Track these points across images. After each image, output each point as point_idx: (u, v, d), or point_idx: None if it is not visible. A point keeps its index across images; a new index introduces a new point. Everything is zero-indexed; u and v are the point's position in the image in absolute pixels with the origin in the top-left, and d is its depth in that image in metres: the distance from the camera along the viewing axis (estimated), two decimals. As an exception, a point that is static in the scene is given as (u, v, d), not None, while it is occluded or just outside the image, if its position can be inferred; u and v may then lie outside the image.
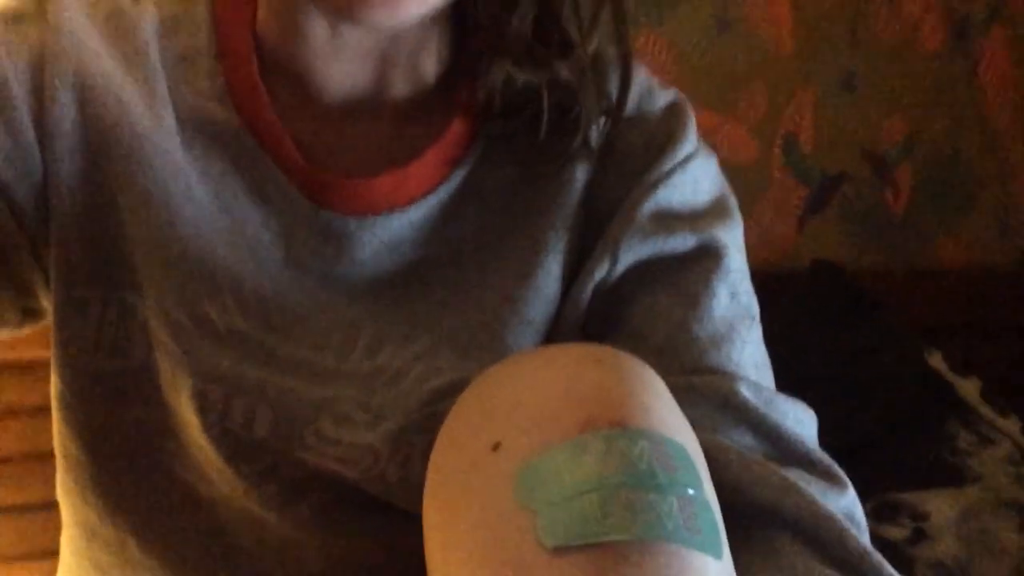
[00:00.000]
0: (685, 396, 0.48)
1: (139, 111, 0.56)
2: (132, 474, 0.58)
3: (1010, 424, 1.37)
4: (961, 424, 1.37)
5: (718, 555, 0.37)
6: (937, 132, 1.69)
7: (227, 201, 0.56)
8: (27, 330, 0.61)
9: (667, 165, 0.58)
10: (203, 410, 0.54)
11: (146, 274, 0.55)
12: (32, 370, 1.18)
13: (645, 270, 0.57)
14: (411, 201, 0.57)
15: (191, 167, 0.56)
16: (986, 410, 1.39)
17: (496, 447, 0.39)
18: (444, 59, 0.59)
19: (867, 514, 1.28)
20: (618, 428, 0.38)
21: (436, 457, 0.43)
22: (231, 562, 0.59)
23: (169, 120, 0.56)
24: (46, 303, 0.59)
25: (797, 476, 0.48)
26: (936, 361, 1.45)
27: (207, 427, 0.55)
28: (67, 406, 0.58)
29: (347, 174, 0.57)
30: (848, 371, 1.37)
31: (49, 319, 0.58)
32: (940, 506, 1.25)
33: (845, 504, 0.50)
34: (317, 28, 0.56)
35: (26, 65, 0.55)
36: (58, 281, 0.56)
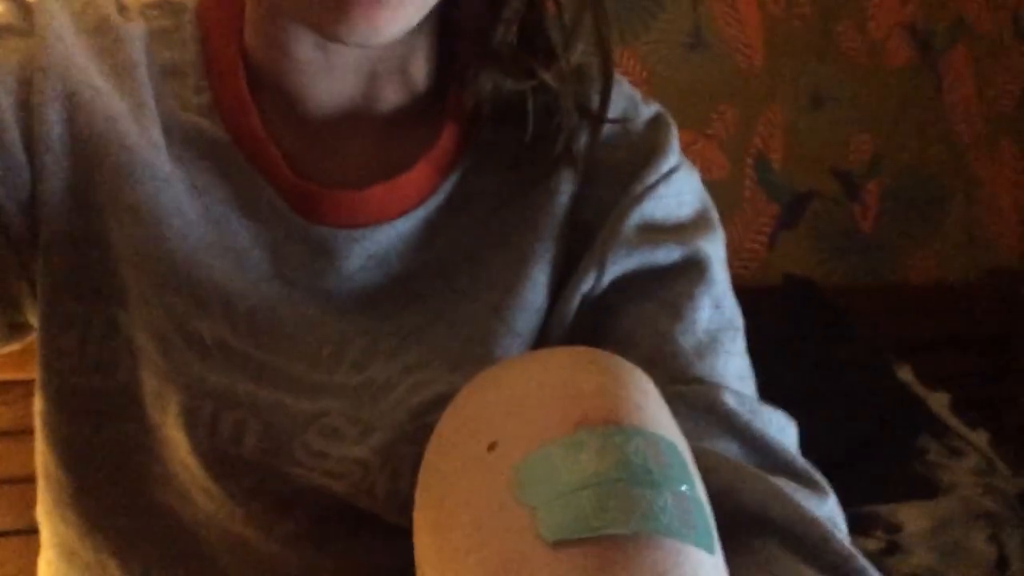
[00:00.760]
0: (671, 405, 0.48)
1: (127, 125, 0.55)
2: (112, 494, 0.58)
3: (979, 436, 1.39)
4: (932, 437, 1.38)
5: (711, 550, 0.38)
6: (904, 149, 1.72)
7: (216, 215, 0.56)
8: (14, 346, 0.61)
9: (652, 178, 0.59)
10: (191, 426, 0.54)
11: (133, 289, 0.55)
12: (2, 391, 1.17)
13: (631, 282, 0.57)
14: (400, 213, 0.57)
15: (179, 181, 0.56)
16: (956, 423, 1.40)
17: (492, 446, 0.40)
18: (432, 68, 0.59)
19: None
20: (613, 426, 0.39)
21: (430, 458, 0.44)
22: None
23: (157, 134, 0.56)
24: (33, 319, 0.58)
25: (782, 483, 0.49)
26: (906, 375, 1.46)
27: (195, 444, 0.54)
28: (49, 424, 0.57)
29: (336, 187, 0.57)
30: (819, 385, 1.38)
31: (35, 335, 0.57)
32: (913, 518, 1.26)
33: (828, 510, 0.51)
34: (304, 44, 0.56)
35: (13, 79, 0.55)
36: (44, 296, 0.55)
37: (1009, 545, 1.27)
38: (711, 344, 0.56)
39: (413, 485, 0.44)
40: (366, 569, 0.57)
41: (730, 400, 0.52)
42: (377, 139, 0.59)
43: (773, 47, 1.61)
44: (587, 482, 0.37)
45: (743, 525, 0.47)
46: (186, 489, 0.57)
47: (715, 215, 0.62)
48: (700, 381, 0.54)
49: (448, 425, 0.44)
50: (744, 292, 1.63)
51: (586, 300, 0.57)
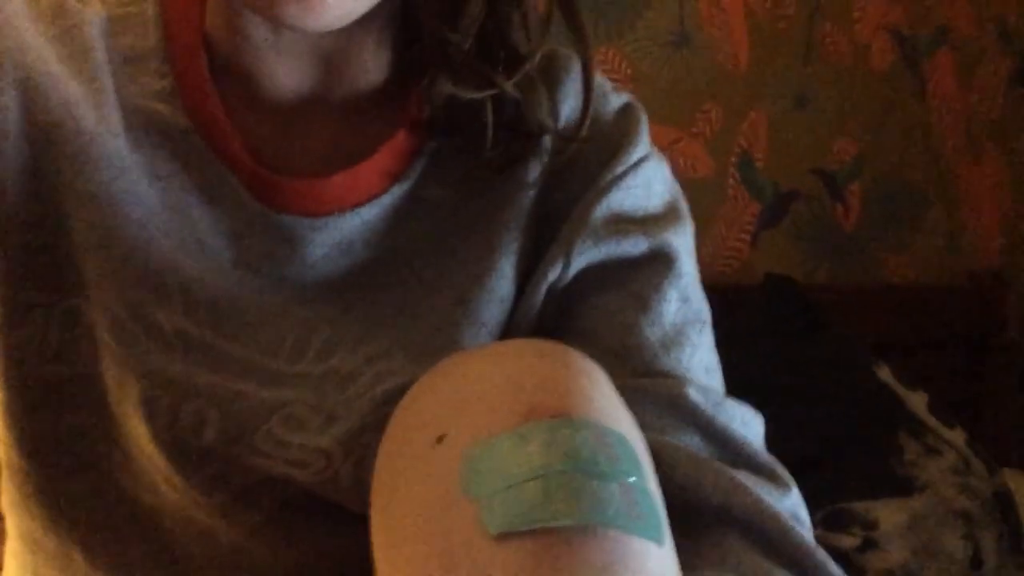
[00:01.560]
0: (634, 398, 0.49)
1: (83, 111, 0.55)
2: (76, 485, 0.57)
3: (956, 436, 1.39)
4: (909, 435, 1.39)
5: (659, 541, 0.38)
6: (886, 151, 1.72)
7: (176, 203, 0.55)
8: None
9: (620, 168, 0.58)
10: (152, 416, 0.53)
11: (92, 278, 0.54)
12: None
13: (597, 273, 0.57)
14: (363, 201, 0.57)
15: (138, 168, 0.55)
16: (933, 422, 1.40)
17: (440, 439, 0.40)
18: (390, 65, 0.59)
19: (817, 523, 1.29)
20: (561, 418, 0.39)
21: (382, 452, 0.44)
22: (180, 574, 0.58)
23: (115, 120, 0.55)
24: None
25: (744, 477, 0.49)
26: (885, 374, 1.46)
27: (156, 434, 0.54)
28: (11, 414, 0.57)
29: (297, 174, 0.56)
30: (799, 383, 1.39)
31: None
32: (889, 515, 1.26)
33: (790, 504, 0.51)
34: (258, 25, 0.55)
35: None
36: (3, 285, 0.55)
37: (984, 544, 1.28)
38: (677, 337, 0.56)
39: None
40: (332, 559, 0.57)
41: (693, 394, 0.52)
42: (339, 126, 0.58)
43: (758, 47, 1.61)
44: (533, 474, 0.37)
45: (703, 518, 0.47)
46: (150, 479, 0.56)
47: (684, 206, 0.61)
48: (665, 374, 0.54)
49: (399, 418, 0.44)
50: (726, 290, 1.66)
51: (553, 291, 0.57)
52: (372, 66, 0.58)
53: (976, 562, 1.27)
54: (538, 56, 0.57)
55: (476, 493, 0.37)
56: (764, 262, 1.64)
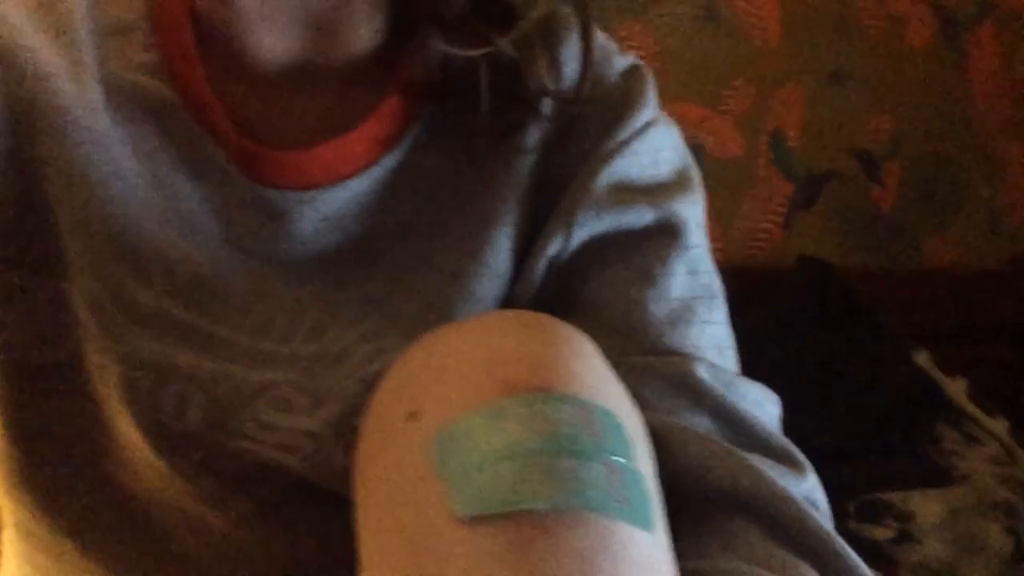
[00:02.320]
0: (640, 377, 0.47)
1: (63, 85, 0.54)
2: (64, 472, 0.57)
3: (997, 424, 1.38)
4: (948, 424, 1.37)
5: (649, 527, 0.36)
6: (925, 129, 1.70)
7: (161, 178, 0.54)
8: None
9: (625, 133, 0.56)
10: (132, 400, 0.52)
11: (73, 258, 0.53)
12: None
13: (601, 245, 0.55)
14: (353, 173, 0.55)
15: (121, 143, 0.54)
16: (973, 410, 1.39)
17: (413, 415, 0.38)
18: (381, 29, 0.57)
19: (851, 515, 1.28)
20: (541, 392, 0.37)
21: (361, 428, 0.42)
22: (172, 564, 0.57)
23: (96, 94, 0.54)
24: None
25: (755, 460, 0.47)
26: (923, 361, 1.45)
27: (137, 419, 0.53)
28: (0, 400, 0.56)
29: (285, 147, 0.55)
30: (834, 370, 1.37)
31: None
32: (926, 507, 1.25)
33: (806, 488, 0.48)
34: None
35: None
36: None
37: (1027, 537, 1.26)
38: (685, 313, 0.53)
39: None
40: (326, 548, 0.55)
41: (703, 372, 0.50)
42: (329, 96, 0.57)
43: (790, 21, 1.59)
44: (507, 453, 0.35)
45: (711, 503, 0.45)
46: (135, 466, 0.55)
47: (695, 175, 0.58)
48: (672, 352, 0.52)
49: (378, 394, 0.42)
50: (757, 274, 1.69)
51: (553, 265, 0.55)
52: (365, 31, 0.57)
53: (1019, 555, 1.25)
54: (536, 13, 0.55)
55: (446, 473, 0.35)
56: (797, 245, 1.63)
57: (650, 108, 0.58)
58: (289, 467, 0.53)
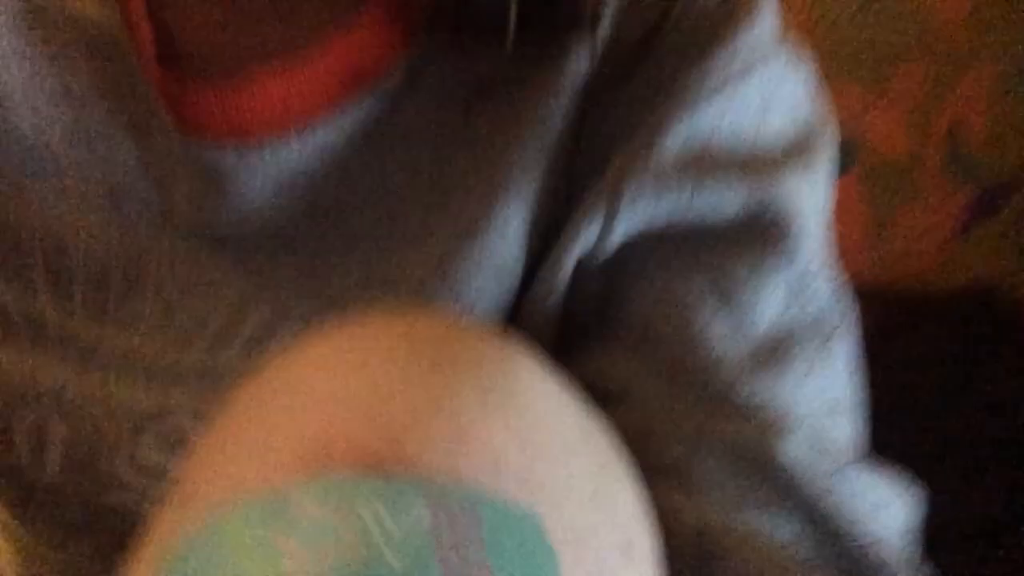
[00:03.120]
0: (695, 445, 0.39)
1: None
2: None
3: None
4: None
5: None
6: None
7: (87, 134, 0.47)
8: None
9: (720, 72, 0.44)
10: None
11: None
12: None
13: (657, 241, 0.44)
14: (314, 120, 0.46)
15: (36, 84, 0.46)
16: None
17: (184, 496, 0.30)
18: None
19: None
20: (376, 472, 0.26)
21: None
22: None
23: (8, 14, 0.47)
24: None
25: None
26: None
27: None
28: None
29: (219, 78, 0.47)
30: (1001, 427, 1.25)
31: None
32: None
33: None
34: None
35: None
36: None
37: None
38: (778, 352, 0.43)
39: None
40: None
41: (795, 449, 0.40)
42: (279, 7, 0.47)
43: (979, -6, 1.47)
44: None
45: None
46: None
47: (827, 143, 0.47)
48: (752, 411, 0.42)
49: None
50: (915, 299, 1.64)
51: (588, 261, 0.45)
52: None
53: None
54: None
55: None
56: (969, 266, 1.51)
57: (763, 37, 0.46)
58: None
